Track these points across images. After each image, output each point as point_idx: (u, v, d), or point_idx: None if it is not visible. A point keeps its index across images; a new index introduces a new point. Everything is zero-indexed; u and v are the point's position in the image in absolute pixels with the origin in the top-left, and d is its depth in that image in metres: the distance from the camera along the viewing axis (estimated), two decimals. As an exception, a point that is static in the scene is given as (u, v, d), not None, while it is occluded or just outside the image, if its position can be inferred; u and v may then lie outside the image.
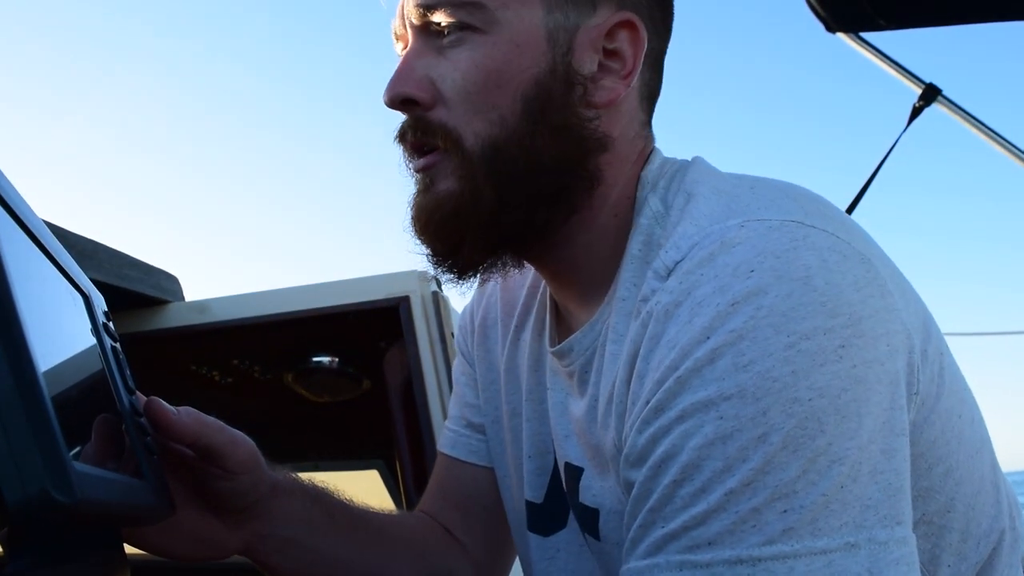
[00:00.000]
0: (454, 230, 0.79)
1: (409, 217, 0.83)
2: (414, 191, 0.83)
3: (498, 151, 0.77)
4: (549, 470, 0.92)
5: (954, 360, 0.77)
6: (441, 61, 0.79)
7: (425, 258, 0.83)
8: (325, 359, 2.13)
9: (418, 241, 0.82)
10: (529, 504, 0.95)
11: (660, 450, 0.64)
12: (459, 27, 0.78)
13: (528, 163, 0.78)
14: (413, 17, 0.80)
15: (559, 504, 0.91)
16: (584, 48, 0.79)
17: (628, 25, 0.80)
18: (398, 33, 0.84)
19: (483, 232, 0.80)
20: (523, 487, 0.96)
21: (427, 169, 0.81)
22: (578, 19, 0.79)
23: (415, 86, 0.79)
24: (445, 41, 0.79)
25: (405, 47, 0.83)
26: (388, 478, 2.45)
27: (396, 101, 0.80)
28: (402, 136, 0.82)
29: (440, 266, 0.83)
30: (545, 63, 0.78)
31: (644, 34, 0.80)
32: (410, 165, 0.83)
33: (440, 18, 0.78)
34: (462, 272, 0.83)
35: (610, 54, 0.80)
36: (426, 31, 0.80)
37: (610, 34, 0.80)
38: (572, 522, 0.89)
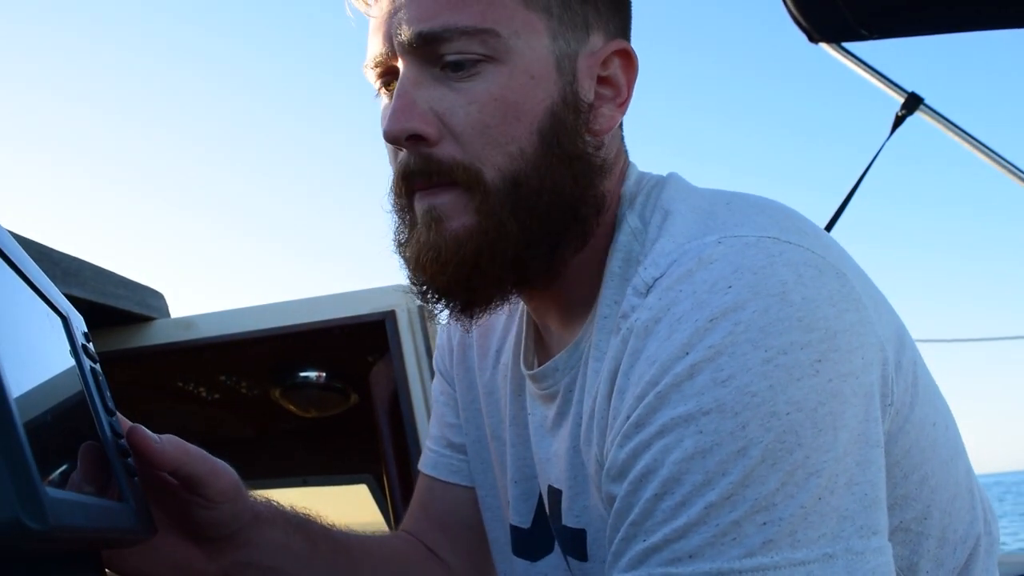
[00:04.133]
0: (475, 268, 0.76)
1: (410, 255, 0.78)
2: (414, 228, 0.79)
3: (519, 185, 0.75)
4: (535, 495, 0.92)
5: (927, 369, 0.77)
6: (446, 93, 0.75)
7: (426, 294, 0.80)
8: (312, 374, 2.13)
9: (423, 279, 0.78)
10: (516, 529, 0.94)
11: (641, 464, 0.64)
12: (474, 60, 0.74)
13: (549, 196, 0.76)
14: (409, 44, 0.75)
15: (545, 529, 0.90)
16: (583, 75, 0.78)
17: (622, 53, 0.80)
18: (380, 60, 0.78)
19: (508, 270, 0.77)
20: (507, 510, 0.96)
21: (435, 206, 0.76)
22: (577, 46, 0.78)
23: (420, 120, 0.74)
24: (453, 72, 0.74)
25: (386, 73, 0.79)
26: (377, 492, 2.44)
27: (401, 137, 0.75)
28: (406, 175, 0.77)
29: (448, 304, 0.79)
30: (556, 92, 0.76)
31: (637, 61, 0.81)
32: (411, 202, 0.79)
33: (452, 47, 0.74)
34: (470, 310, 0.80)
35: (603, 81, 0.80)
36: (423, 59, 0.75)
37: (605, 62, 0.80)
38: (558, 547, 0.89)
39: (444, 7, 0.73)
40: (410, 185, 0.78)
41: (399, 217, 0.81)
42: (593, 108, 0.79)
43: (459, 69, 0.74)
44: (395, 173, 0.79)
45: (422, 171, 0.76)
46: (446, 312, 0.81)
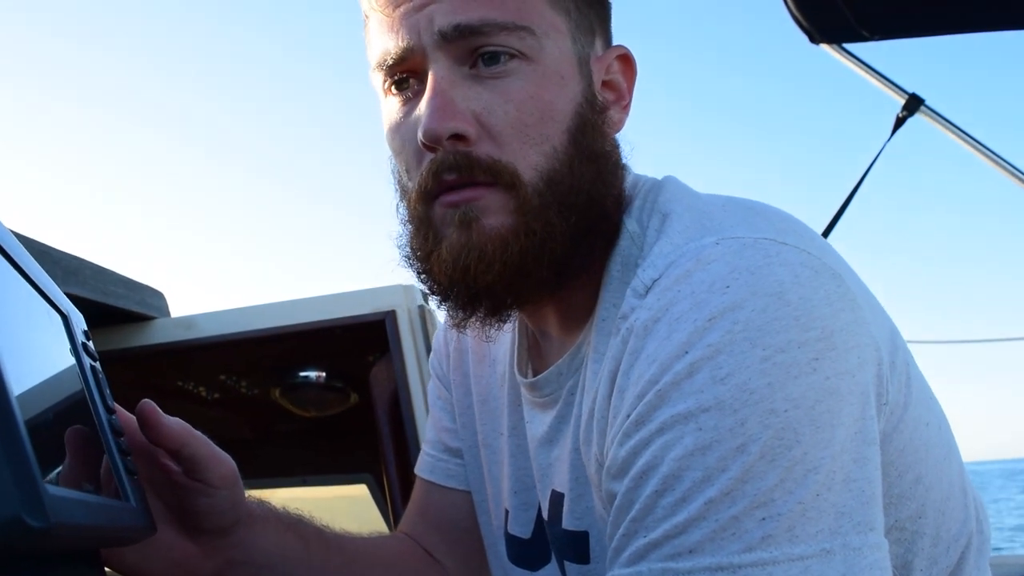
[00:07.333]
0: (520, 269, 0.75)
1: (445, 258, 0.76)
2: (439, 233, 0.77)
3: (557, 183, 0.75)
4: (534, 505, 0.92)
5: (919, 370, 0.78)
6: (481, 92, 0.75)
7: (455, 300, 0.77)
8: (312, 374, 2.12)
9: (459, 283, 0.76)
10: (516, 539, 0.94)
11: (641, 461, 0.65)
12: (510, 55, 0.74)
13: (583, 194, 0.77)
14: (444, 36, 0.74)
15: (545, 539, 0.90)
16: (596, 78, 0.81)
17: (622, 58, 0.83)
18: (400, 56, 0.76)
19: (553, 270, 0.76)
20: (500, 515, 0.96)
21: (468, 203, 0.75)
22: (588, 49, 0.80)
23: (462, 120, 0.74)
24: (486, 68, 0.74)
25: (405, 72, 0.77)
26: (376, 493, 2.44)
27: (443, 137, 0.74)
28: (438, 172, 0.75)
29: (477, 310, 0.78)
30: (580, 93, 0.78)
31: (636, 65, 0.83)
32: (432, 208, 0.77)
33: (488, 42, 0.74)
34: (500, 314, 0.79)
35: (607, 85, 0.82)
36: (455, 57, 0.75)
37: (608, 66, 0.82)
38: (554, 559, 0.89)
39: (481, 2, 0.74)
40: (441, 184, 0.75)
41: (418, 225, 0.79)
42: (604, 110, 0.81)
43: (493, 65, 0.74)
44: (423, 174, 0.76)
45: (459, 166, 0.74)
46: (471, 319, 0.79)
